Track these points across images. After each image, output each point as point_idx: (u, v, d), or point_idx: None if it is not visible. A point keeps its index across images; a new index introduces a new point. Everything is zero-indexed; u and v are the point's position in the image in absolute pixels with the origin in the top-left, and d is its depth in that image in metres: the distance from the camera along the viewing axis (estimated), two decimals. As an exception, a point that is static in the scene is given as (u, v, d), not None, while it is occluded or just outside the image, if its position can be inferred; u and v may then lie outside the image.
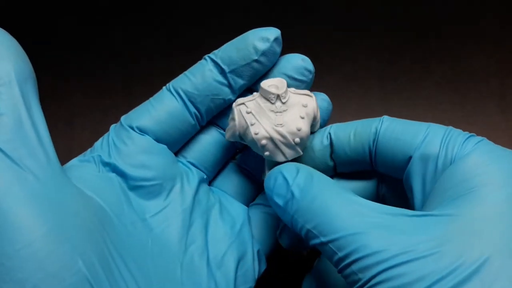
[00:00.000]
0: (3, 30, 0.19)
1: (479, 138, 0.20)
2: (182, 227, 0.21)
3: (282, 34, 0.23)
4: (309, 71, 0.24)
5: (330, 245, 0.18)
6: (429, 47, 0.37)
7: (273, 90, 0.22)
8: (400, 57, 0.37)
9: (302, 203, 0.19)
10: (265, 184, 0.21)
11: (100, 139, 0.23)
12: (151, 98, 0.23)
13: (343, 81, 0.36)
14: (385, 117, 0.22)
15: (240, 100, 0.22)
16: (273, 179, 0.21)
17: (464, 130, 0.20)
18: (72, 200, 0.18)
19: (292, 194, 0.20)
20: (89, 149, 0.22)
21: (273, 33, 0.22)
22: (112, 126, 0.23)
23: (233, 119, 0.22)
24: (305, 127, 0.22)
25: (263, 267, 0.23)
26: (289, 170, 0.21)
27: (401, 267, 0.16)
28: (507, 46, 0.37)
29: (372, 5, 0.38)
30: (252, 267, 0.22)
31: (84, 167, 0.21)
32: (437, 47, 0.37)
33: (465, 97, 0.35)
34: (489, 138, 0.20)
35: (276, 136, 0.21)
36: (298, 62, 0.23)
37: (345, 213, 0.18)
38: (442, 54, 0.36)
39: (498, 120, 0.34)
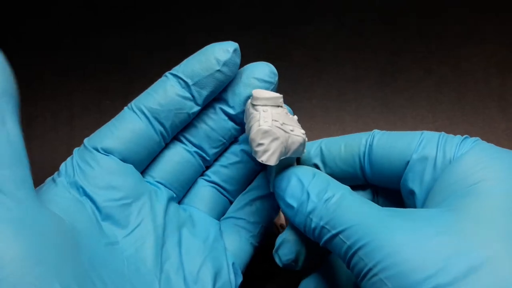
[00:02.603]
0: None
1: (474, 138, 0.20)
2: (155, 245, 0.21)
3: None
4: (275, 73, 0.24)
5: (340, 235, 0.19)
6: (429, 47, 0.37)
7: (277, 94, 0.22)
8: (400, 57, 0.37)
9: (318, 203, 0.20)
10: (277, 185, 0.22)
11: (64, 163, 0.22)
12: (113, 119, 0.23)
13: (343, 81, 0.36)
14: (376, 130, 0.23)
15: (265, 121, 0.21)
16: (286, 180, 0.21)
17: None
18: (46, 221, 0.18)
19: (308, 195, 0.20)
20: (56, 173, 0.22)
21: (232, 45, 0.23)
22: (76, 149, 0.23)
23: (276, 138, 0.21)
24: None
25: (239, 280, 0.23)
26: (305, 173, 0.21)
27: (405, 252, 0.16)
28: (507, 46, 0.37)
29: (372, 5, 0.38)
30: (229, 280, 0.22)
31: (54, 191, 0.21)
32: (437, 47, 0.37)
33: (465, 97, 0.35)
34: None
35: (303, 130, 0.22)
36: (264, 67, 0.24)
37: (354, 208, 0.19)
38: (442, 54, 0.36)
39: (498, 120, 0.34)
